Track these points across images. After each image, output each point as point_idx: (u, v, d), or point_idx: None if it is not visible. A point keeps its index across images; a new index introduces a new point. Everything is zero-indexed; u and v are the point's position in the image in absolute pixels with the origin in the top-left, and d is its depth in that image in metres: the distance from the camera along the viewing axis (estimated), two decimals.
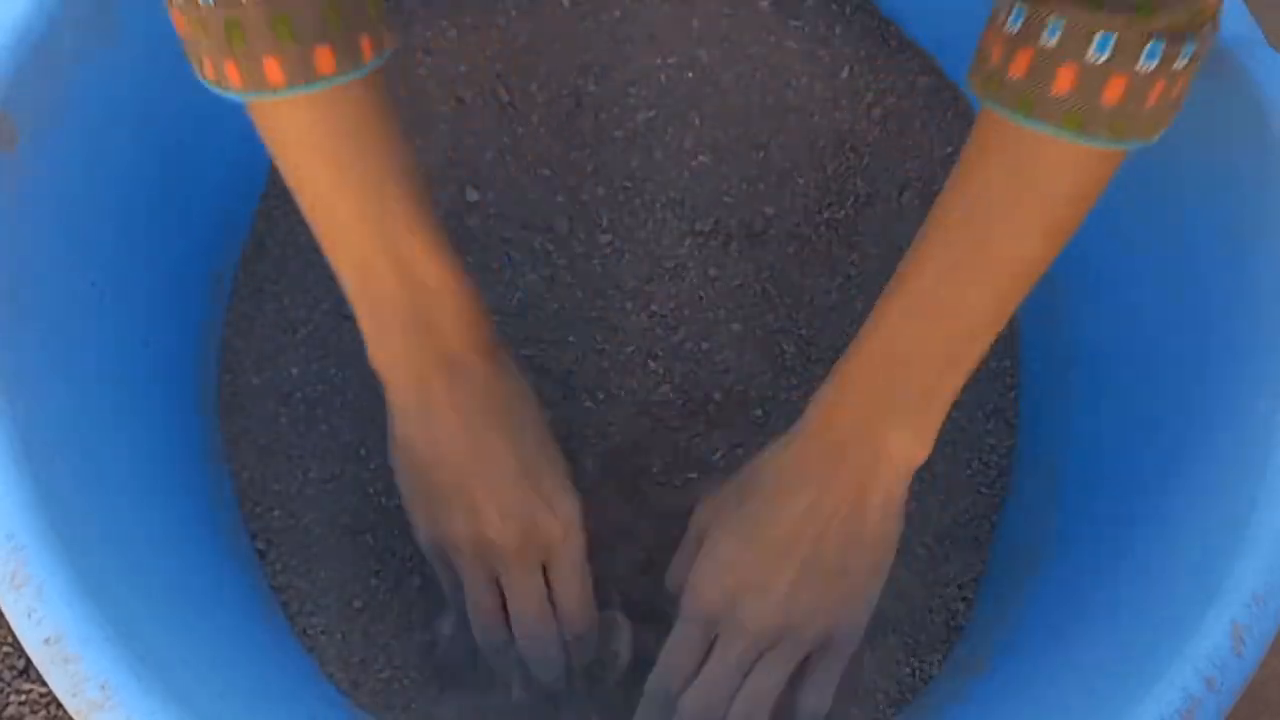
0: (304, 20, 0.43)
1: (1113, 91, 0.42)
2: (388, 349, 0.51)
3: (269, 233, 0.72)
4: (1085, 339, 0.67)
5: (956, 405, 0.70)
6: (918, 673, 0.63)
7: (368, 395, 0.68)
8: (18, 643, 0.71)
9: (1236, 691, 0.45)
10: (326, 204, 0.48)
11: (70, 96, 0.54)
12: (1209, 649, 0.45)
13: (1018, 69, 0.43)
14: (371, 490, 0.66)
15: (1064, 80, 0.42)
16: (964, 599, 0.66)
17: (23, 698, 0.70)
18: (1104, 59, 0.42)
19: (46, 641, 0.42)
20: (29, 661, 0.71)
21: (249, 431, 0.67)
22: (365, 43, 0.45)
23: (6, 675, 0.71)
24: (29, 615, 0.42)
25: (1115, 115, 0.43)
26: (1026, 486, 0.69)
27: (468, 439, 0.51)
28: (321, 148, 0.46)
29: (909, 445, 0.51)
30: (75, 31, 0.54)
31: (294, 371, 0.68)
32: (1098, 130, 0.43)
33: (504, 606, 0.55)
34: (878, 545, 0.52)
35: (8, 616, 0.42)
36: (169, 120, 0.62)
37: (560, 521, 0.53)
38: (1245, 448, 0.50)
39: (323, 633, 0.61)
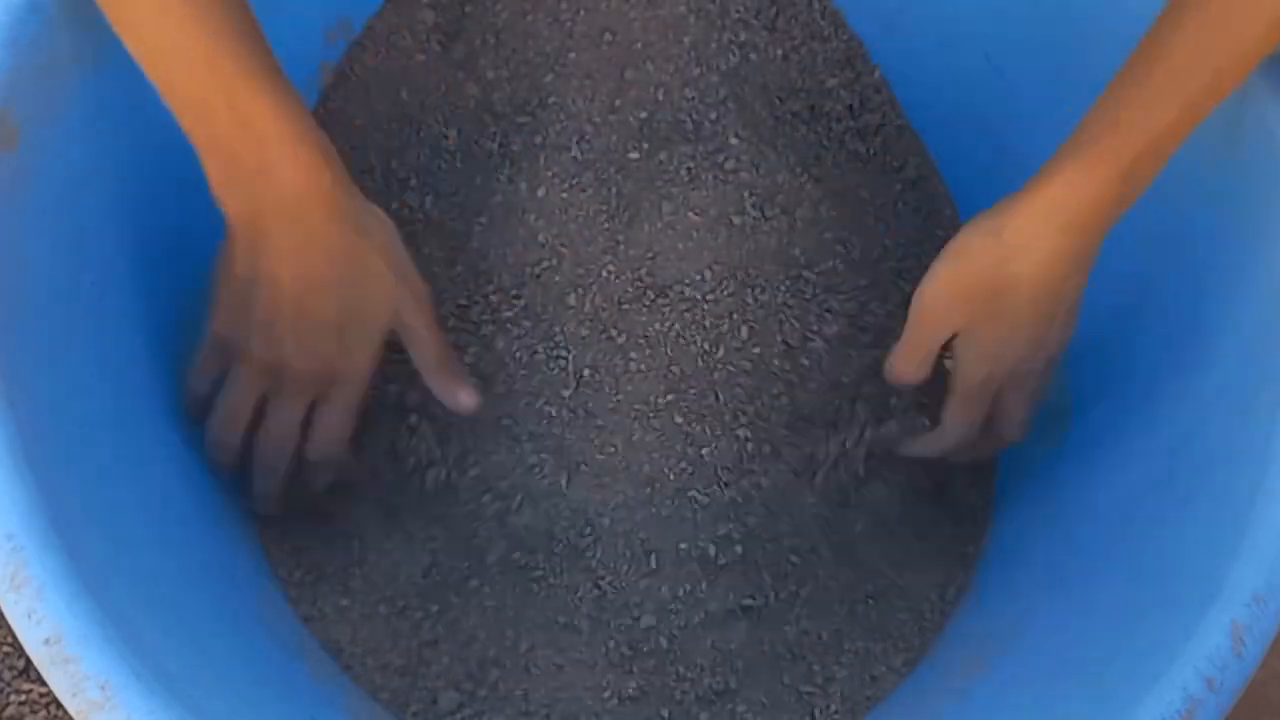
0: None
1: None
2: (224, 188, 0.54)
3: None
4: (1084, 338, 0.67)
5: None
6: (909, 669, 0.63)
7: (376, 393, 0.68)
8: (18, 643, 0.71)
9: (1236, 691, 0.45)
10: (160, 43, 0.50)
11: (70, 96, 0.54)
12: (1209, 649, 0.45)
13: None
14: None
15: None
16: (964, 599, 0.66)
17: (23, 698, 0.70)
18: None
19: (46, 642, 0.42)
20: (29, 661, 0.71)
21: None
22: None
23: (6, 675, 0.71)
24: (29, 616, 0.42)
25: None
26: (1025, 486, 0.69)
27: (292, 286, 0.54)
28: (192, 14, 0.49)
29: (1135, 198, 0.56)
30: (75, 31, 0.54)
31: None
32: None
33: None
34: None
35: (8, 617, 0.42)
36: (169, 120, 0.62)
37: (350, 369, 0.57)
38: (1245, 447, 0.50)
39: (325, 631, 0.62)
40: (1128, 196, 0.55)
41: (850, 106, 0.72)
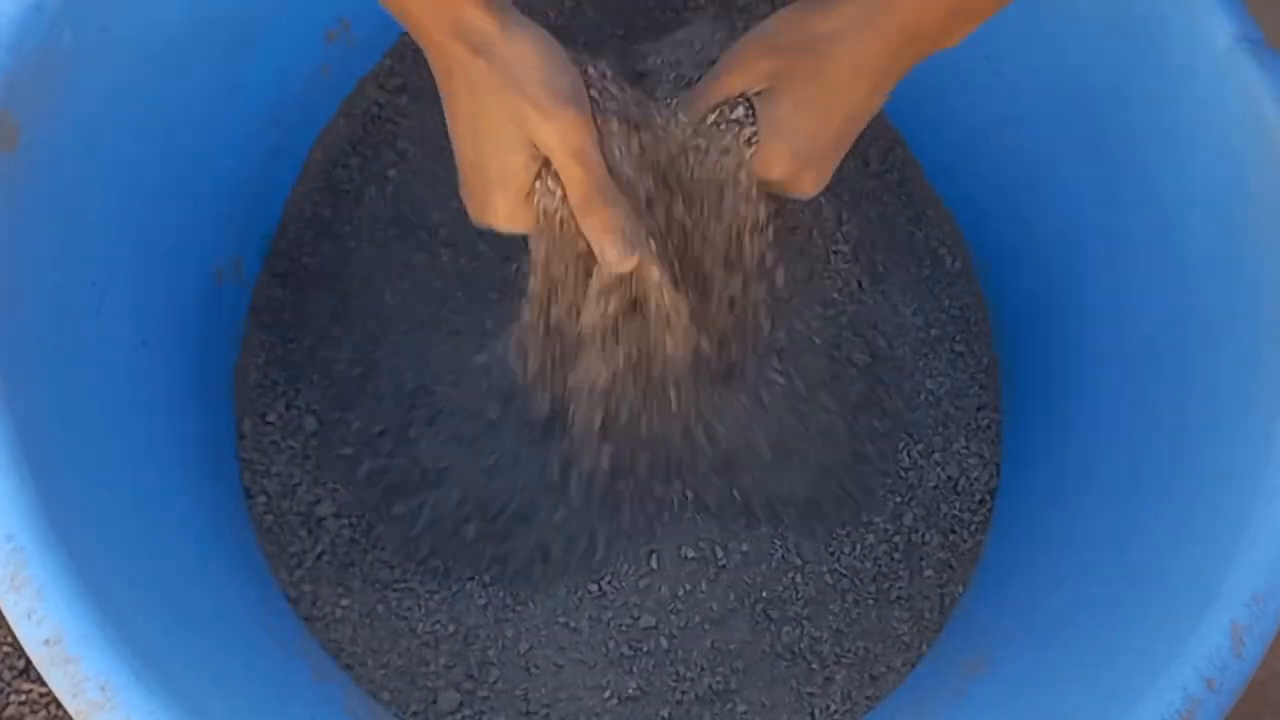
0: None
1: None
2: (423, 31, 0.52)
3: (280, 232, 0.72)
4: (1083, 339, 0.67)
5: (956, 409, 0.70)
6: (912, 671, 0.63)
7: (375, 389, 0.68)
8: (18, 643, 0.71)
9: (1236, 692, 0.45)
10: None
11: (70, 96, 0.54)
12: (1209, 649, 0.45)
13: None
14: (377, 487, 0.66)
15: None
16: (966, 601, 0.66)
17: (23, 698, 0.70)
18: None
19: (46, 642, 0.42)
20: (29, 661, 0.71)
21: (252, 430, 0.67)
22: None
23: (6, 675, 0.71)
24: (29, 616, 0.42)
25: None
26: (1025, 487, 0.69)
27: (448, 119, 0.53)
28: None
29: (954, 40, 0.53)
30: (75, 31, 0.54)
31: (299, 369, 0.68)
32: None
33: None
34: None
35: (8, 617, 0.42)
36: (169, 120, 0.62)
37: (500, 220, 0.54)
38: (1245, 447, 0.50)
39: (325, 631, 0.62)
40: (960, 16, 0.52)
41: None
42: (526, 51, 0.51)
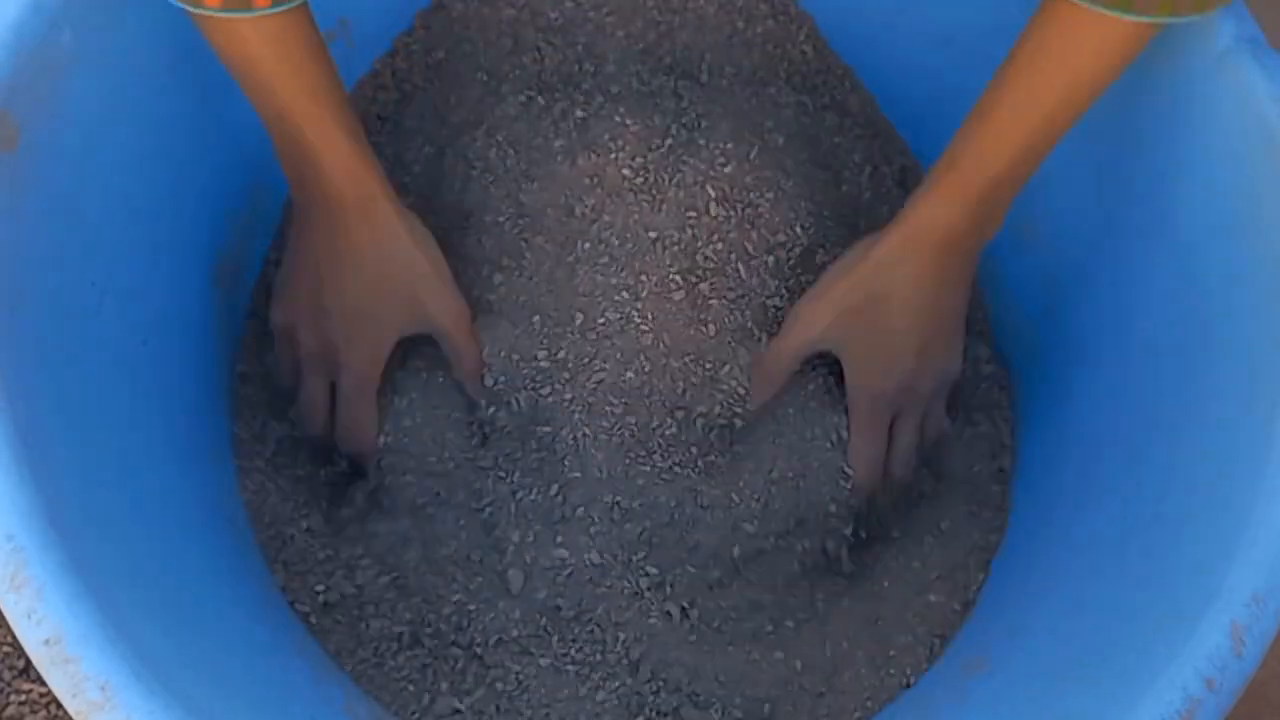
0: None
1: None
2: (292, 181, 0.63)
3: (280, 232, 0.72)
4: (1084, 339, 0.67)
5: (956, 409, 0.70)
6: (911, 671, 0.63)
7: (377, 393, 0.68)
8: (18, 643, 0.71)
9: (1236, 692, 0.45)
10: (268, 88, 0.58)
11: (70, 96, 0.54)
12: (1209, 649, 0.45)
13: None
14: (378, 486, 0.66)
15: None
16: (965, 599, 0.66)
17: (23, 698, 0.70)
18: None
19: (46, 642, 0.42)
20: (29, 661, 0.71)
21: (253, 430, 0.67)
22: None
23: (6, 675, 0.71)
24: (29, 616, 0.42)
25: None
26: (1026, 487, 0.69)
27: (310, 270, 0.63)
28: (277, 55, 0.57)
29: (997, 225, 0.63)
30: (75, 31, 0.54)
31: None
32: (1146, 8, 0.52)
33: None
34: (967, 300, 0.67)
35: (8, 617, 0.42)
36: (169, 120, 0.62)
37: (353, 361, 0.64)
38: (1245, 447, 0.50)
39: (325, 631, 0.62)
40: (986, 222, 0.62)
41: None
42: (423, 250, 0.63)
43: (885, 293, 0.62)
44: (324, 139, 0.59)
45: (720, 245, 0.65)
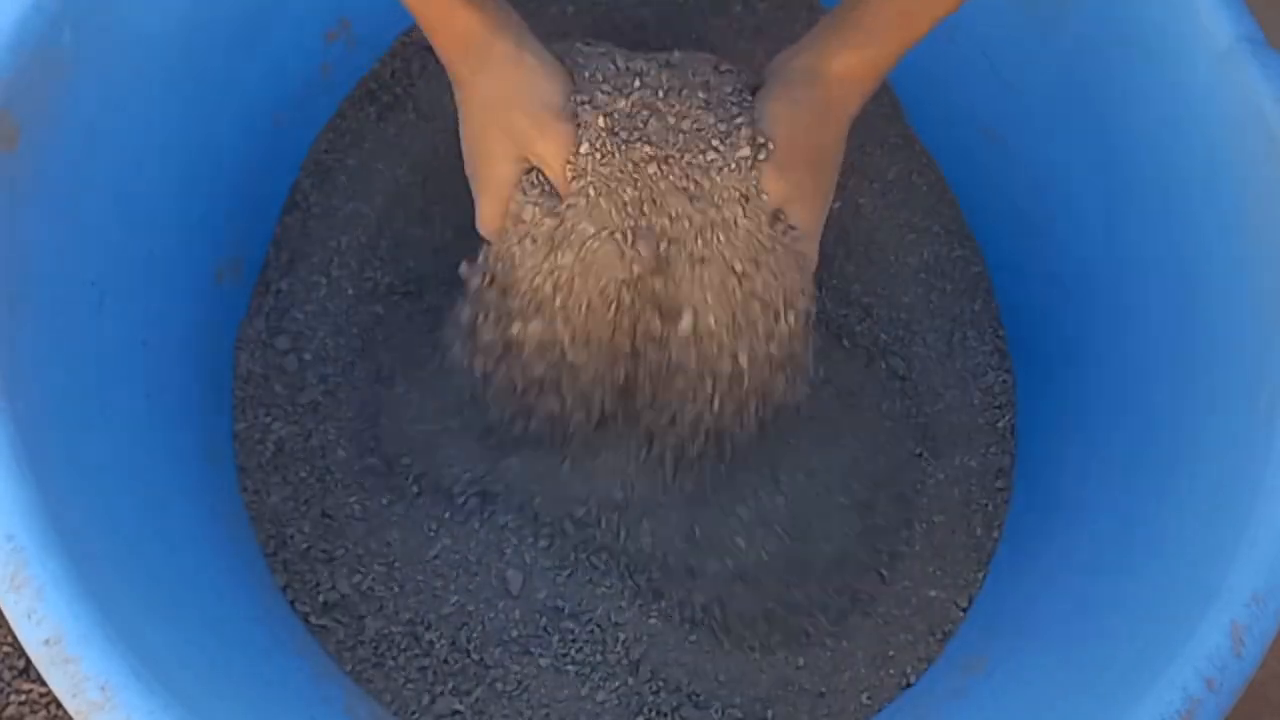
0: None
1: None
2: (434, 40, 0.58)
3: (283, 233, 0.72)
4: (1084, 339, 0.67)
5: (958, 411, 0.70)
6: (911, 671, 0.63)
7: (377, 394, 0.68)
8: (18, 643, 0.71)
9: (1236, 692, 0.45)
10: None
11: (70, 96, 0.54)
12: (1209, 649, 0.45)
13: None
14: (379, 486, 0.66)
15: None
16: (965, 599, 0.66)
17: (23, 698, 0.70)
18: None
19: (47, 642, 0.42)
20: (29, 661, 0.71)
21: (253, 430, 0.67)
22: None
23: (6, 675, 0.71)
24: (29, 616, 0.42)
25: None
26: (1026, 487, 0.69)
27: (497, 114, 0.57)
28: None
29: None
30: (75, 31, 0.54)
31: (302, 372, 0.68)
32: None
33: None
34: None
35: (8, 617, 0.42)
36: (169, 119, 0.62)
37: (481, 215, 0.58)
38: (1245, 447, 0.50)
39: (325, 631, 0.62)
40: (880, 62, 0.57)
41: None
42: (523, 68, 0.56)
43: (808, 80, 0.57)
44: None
45: None
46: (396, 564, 0.64)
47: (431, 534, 0.64)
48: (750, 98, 0.56)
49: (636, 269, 0.56)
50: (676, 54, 0.58)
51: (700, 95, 0.55)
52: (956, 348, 0.73)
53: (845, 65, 0.56)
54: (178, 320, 0.63)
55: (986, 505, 0.69)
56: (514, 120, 0.56)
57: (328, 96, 0.73)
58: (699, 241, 0.55)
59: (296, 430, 0.67)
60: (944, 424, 0.70)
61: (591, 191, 0.54)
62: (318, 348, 0.69)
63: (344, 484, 0.67)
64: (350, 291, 0.70)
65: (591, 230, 0.55)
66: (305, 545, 0.64)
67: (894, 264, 0.74)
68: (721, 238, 0.55)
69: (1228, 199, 0.56)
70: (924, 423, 0.70)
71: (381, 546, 0.64)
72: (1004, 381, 0.72)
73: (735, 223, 0.55)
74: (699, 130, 0.54)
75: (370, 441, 0.67)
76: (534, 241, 0.56)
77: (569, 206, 0.55)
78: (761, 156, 0.54)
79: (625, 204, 0.55)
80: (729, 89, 0.56)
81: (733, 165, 0.54)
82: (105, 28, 0.56)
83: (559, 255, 0.56)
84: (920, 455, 0.69)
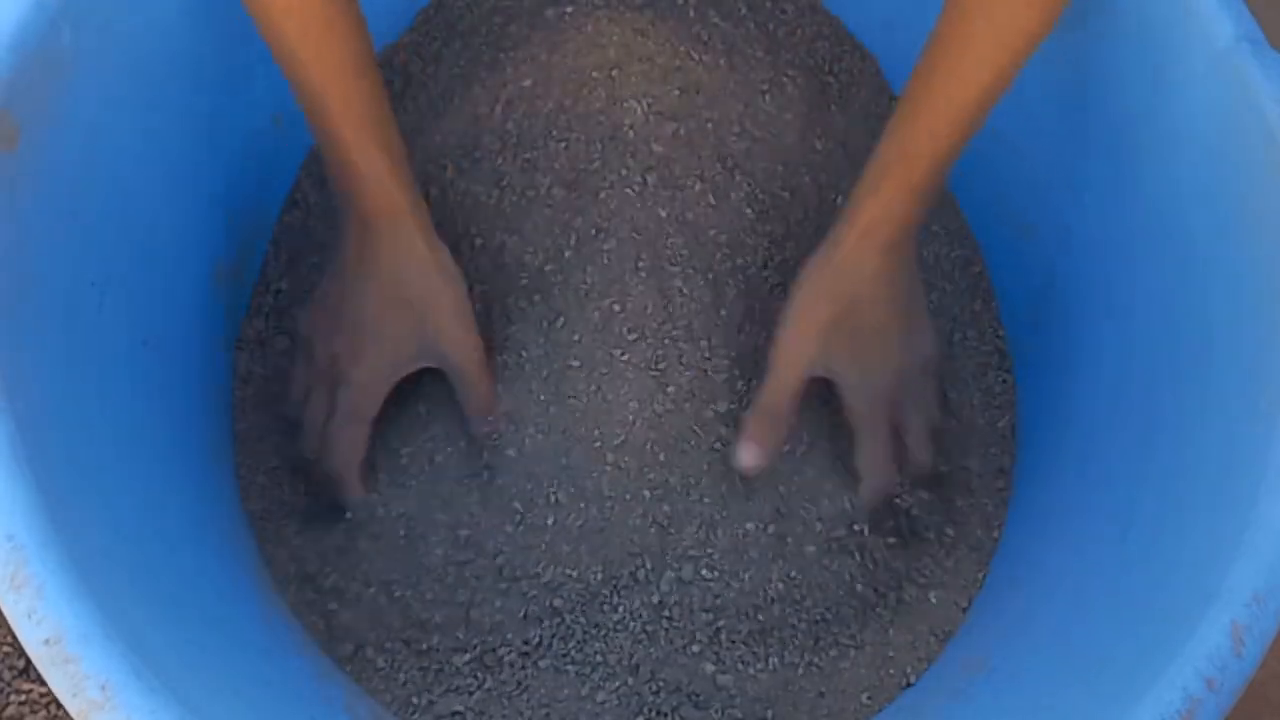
0: None
1: None
2: (329, 177, 0.63)
3: (283, 233, 0.72)
4: (1084, 339, 0.67)
5: (958, 410, 0.70)
6: (911, 671, 0.63)
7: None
8: (18, 643, 0.71)
9: (1236, 692, 0.45)
10: (291, 60, 0.58)
11: (70, 96, 0.54)
12: (1209, 649, 0.45)
13: None
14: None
15: None
16: (965, 599, 0.66)
17: (23, 698, 0.70)
18: None
19: (46, 642, 0.42)
20: (29, 661, 0.71)
21: (253, 430, 0.67)
22: None
23: (6, 675, 0.71)
24: (29, 616, 0.42)
25: None
26: (1025, 488, 0.69)
27: (348, 277, 0.62)
28: (298, 28, 0.56)
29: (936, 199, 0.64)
30: (75, 31, 0.54)
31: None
32: None
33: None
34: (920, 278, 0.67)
35: (8, 617, 0.42)
36: (169, 119, 0.62)
37: (357, 377, 0.62)
38: (1245, 448, 0.50)
39: (326, 631, 0.62)
40: (924, 205, 0.62)
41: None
42: (449, 280, 0.62)
43: (856, 296, 0.62)
44: (351, 138, 0.58)
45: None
46: (396, 564, 0.64)
47: (432, 538, 0.64)
48: None
49: None
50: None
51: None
52: (956, 348, 0.73)
53: (869, 223, 0.61)
54: (178, 320, 0.63)
55: (986, 505, 0.69)
56: (444, 308, 0.61)
57: None
58: None
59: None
60: (944, 424, 0.70)
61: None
62: None
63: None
64: None
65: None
66: (305, 545, 0.64)
67: None
68: None
69: (1227, 199, 0.56)
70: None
71: (381, 548, 0.64)
72: (1004, 381, 0.73)
73: None
74: None
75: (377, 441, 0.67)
76: None
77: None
78: None
79: None
80: None
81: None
82: (105, 28, 0.56)
83: None
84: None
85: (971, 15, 0.56)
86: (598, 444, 0.63)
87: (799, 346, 0.62)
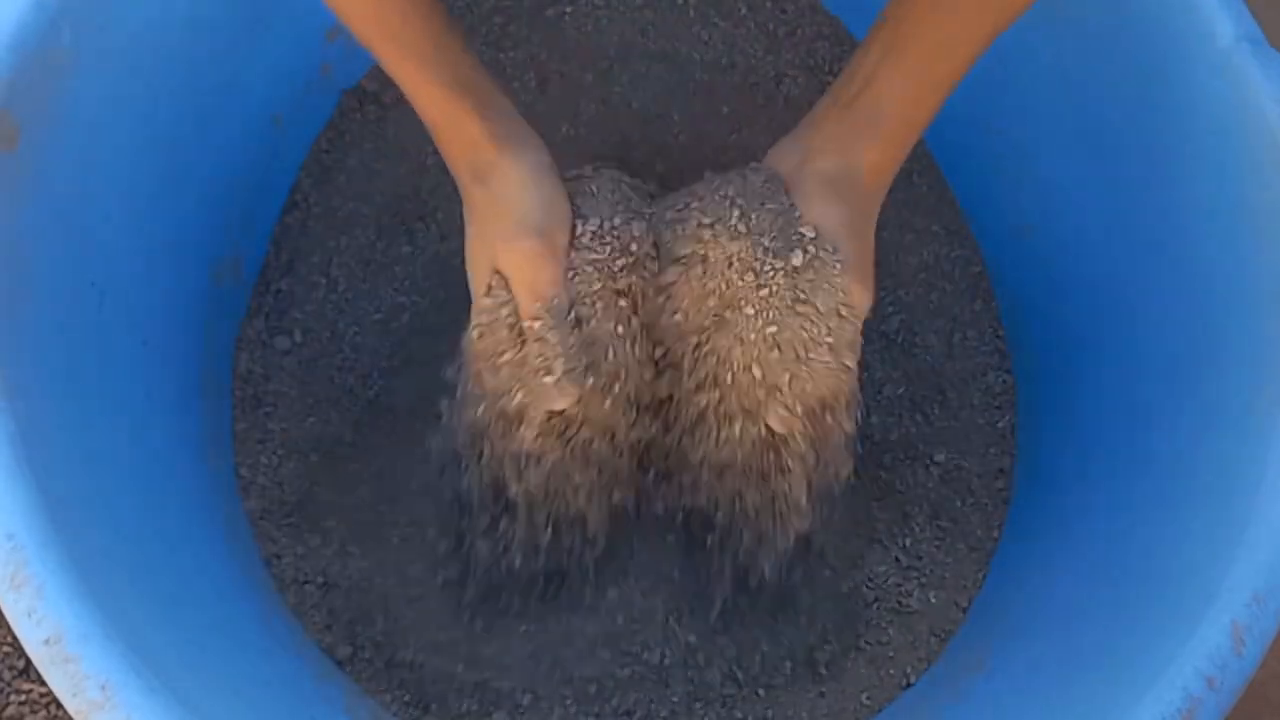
0: None
1: None
2: (443, 154, 0.58)
3: (283, 233, 0.72)
4: (1085, 339, 0.67)
5: (958, 410, 0.70)
6: (911, 671, 0.63)
7: (376, 395, 0.68)
8: (18, 643, 0.71)
9: (1236, 691, 0.45)
10: (400, 41, 0.54)
11: (70, 96, 0.54)
12: (1209, 649, 0.45)
13: None
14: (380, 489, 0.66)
15: None
16: (965, 599, 0.66)
17: (23, 698, 0.70)
18: None
19: (47, 642, 0.42)
20: (29, 661, 0.71)
21: (251, 431, 0.67)
22: None
23: (6, 675, 0.71)
24: (29, 615, 0.42)
25: None
26: (1026, 487, 0.69)
27: (485, 225, 0.57)
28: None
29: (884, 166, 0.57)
30: (75, 31, 0.54)
31: (303, 372, 0.68)
32: None
33: None
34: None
35: (8, 616, 0.42)
36: (169, 119, 0.62)
37: (511, 254, 0.56)
38: (1245, 447, 0.50)
39: (325, 631, 0.62)
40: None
41: None
42: (512, 182, 0.56)
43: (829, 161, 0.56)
44: (429, 100, 0.55)
45: None
46: (396, 564, 0.64)
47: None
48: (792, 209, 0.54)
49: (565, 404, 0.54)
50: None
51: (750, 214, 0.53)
52: (956, 348, 0.73)
53: (874, 166, 0.55)
54: (178, 320, 0.63)
55: (986, 505, 0.69)
56: (492, 230, 0.56)
57: (328, 96, 0.73)
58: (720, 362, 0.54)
59: (303, 430, 0.67)
60: (944, 424, 0.70)
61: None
62: (326, 345, 0.69)
63: (351, 485, 0.67)
64: (350, 293, 0.71)
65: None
66: (305, 545, 0.64)
67: (894, 264, 0.74)
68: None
69: (1227, 199, 0.56)
70: (923, 423, 0.70)
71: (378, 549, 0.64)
72: (1004, 381, 0.73)
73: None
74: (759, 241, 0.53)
75: (377, 440, 0.67)
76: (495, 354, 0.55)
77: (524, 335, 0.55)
78: (837, 270, 0.52)
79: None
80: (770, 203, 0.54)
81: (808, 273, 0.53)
82: (105, 27, 0.56)
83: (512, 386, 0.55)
84: (920, 455, 0.69)
85: None
86: None
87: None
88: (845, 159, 0.56)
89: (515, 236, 0.56)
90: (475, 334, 0.56)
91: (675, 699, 0.61)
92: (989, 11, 0.53)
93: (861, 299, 0.54)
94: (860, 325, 0.54)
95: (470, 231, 0.57)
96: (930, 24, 0.54)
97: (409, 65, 0.55)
